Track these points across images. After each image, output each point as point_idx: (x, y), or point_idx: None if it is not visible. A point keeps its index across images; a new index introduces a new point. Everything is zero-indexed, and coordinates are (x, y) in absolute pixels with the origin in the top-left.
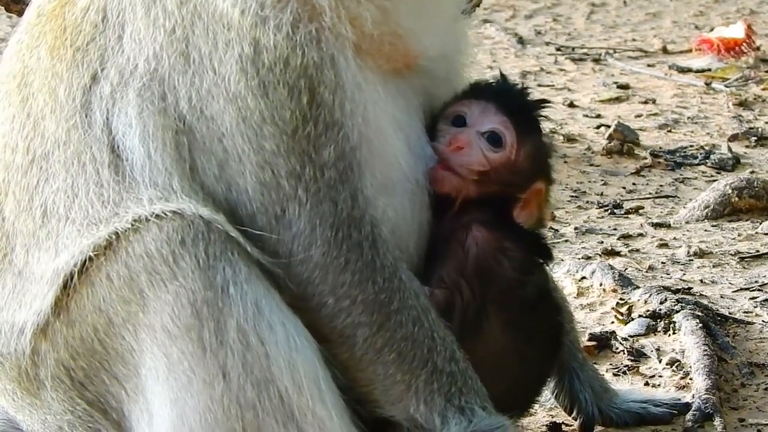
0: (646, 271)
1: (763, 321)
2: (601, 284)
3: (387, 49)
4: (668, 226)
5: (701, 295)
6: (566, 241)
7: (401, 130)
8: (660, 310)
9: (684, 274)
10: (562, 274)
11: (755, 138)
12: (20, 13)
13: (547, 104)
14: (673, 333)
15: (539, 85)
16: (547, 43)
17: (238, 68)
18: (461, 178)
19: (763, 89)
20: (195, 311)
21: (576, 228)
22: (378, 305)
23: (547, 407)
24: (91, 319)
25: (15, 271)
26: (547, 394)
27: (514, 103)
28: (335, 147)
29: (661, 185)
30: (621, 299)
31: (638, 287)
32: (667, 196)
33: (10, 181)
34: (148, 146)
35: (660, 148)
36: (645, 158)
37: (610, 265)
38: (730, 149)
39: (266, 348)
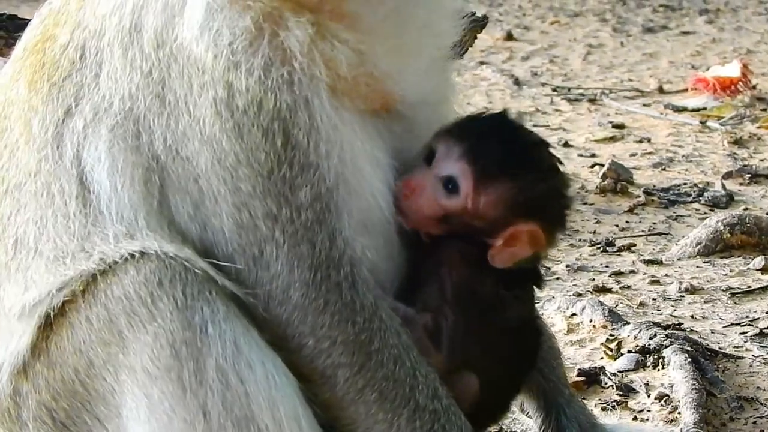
0: (637, 308)
1: (753, 355)
2: (591, 320)
3: (364, 90)
4: (660, 263)
5: (692, 330)
6: (558, 278)
7: (380, 169)
8: (649, 345)
9: (675, 310)
10: (553, 311)
11: (749, 175)
12: None
13: (545, 146)
14: (663, 368)
15: (534, 126)
16: (543, 84)
17: (213, 111)
18: (416, 221)
19: (759, 127)
20: (174, 351)
21: (568, 266)
22: (358, 345)
23: None
24: (72, 361)
25: None
26: (534, 430)
27: (486, 146)
28: (311, 188)
29: (654, 223)
30: (611, 335)
31: (628, 323)
32: (659, 234)
33: None
34: (115, 180)
35: (654, 186)
36: (638, 196)
37: (600, 301)
38: (724, 187)
39: (246, 386)
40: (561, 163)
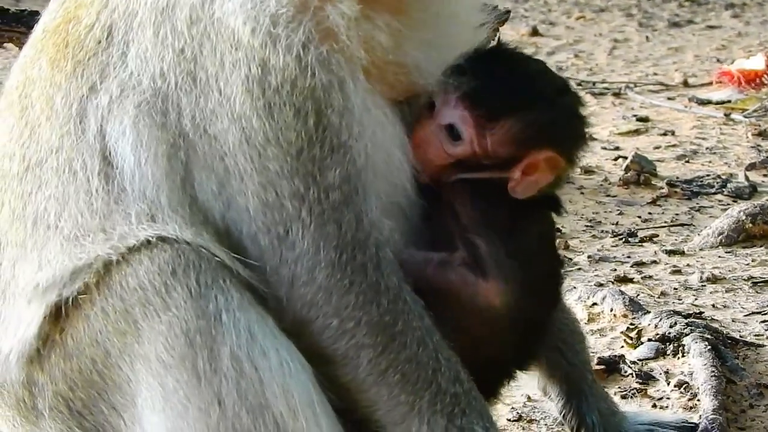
0: (658, 297)
1: None
2: (611, 310)
3: (391, 79)
4: (682, 253)
5: (713, 319)
6: (579, 269)
7: (408, 153)
8: (669, 333)
9: (696, 299)
10: (573, 300)
11: None
12: None
13: (547, 73)
14: (682, 356)
15: None
16: (569, 79)
17: (244, 89)
18: (430, 172)
19: None
20: (188, 340)
21: (589, 256)
22: (382, 327)
23: (554, 429)
24: (89, 352)
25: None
26: (555, 414)
27: (483, 87)
28: (340, 169)
29: (677, 214)
30: (631, 324)
31: (648, 312)
32: (682, 225)
33: (6, 190)
34: (139, 155)
35: (677, 178)
36: (662, 188)
37: (621, 290)
38: (747, 178)
39: (260, 374)
40: (567, 83)
